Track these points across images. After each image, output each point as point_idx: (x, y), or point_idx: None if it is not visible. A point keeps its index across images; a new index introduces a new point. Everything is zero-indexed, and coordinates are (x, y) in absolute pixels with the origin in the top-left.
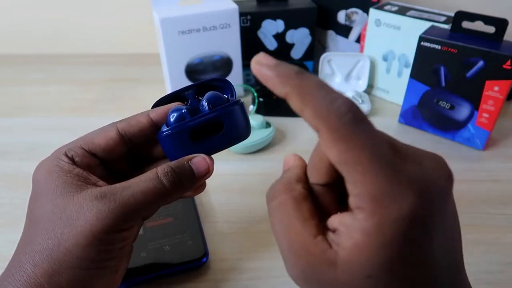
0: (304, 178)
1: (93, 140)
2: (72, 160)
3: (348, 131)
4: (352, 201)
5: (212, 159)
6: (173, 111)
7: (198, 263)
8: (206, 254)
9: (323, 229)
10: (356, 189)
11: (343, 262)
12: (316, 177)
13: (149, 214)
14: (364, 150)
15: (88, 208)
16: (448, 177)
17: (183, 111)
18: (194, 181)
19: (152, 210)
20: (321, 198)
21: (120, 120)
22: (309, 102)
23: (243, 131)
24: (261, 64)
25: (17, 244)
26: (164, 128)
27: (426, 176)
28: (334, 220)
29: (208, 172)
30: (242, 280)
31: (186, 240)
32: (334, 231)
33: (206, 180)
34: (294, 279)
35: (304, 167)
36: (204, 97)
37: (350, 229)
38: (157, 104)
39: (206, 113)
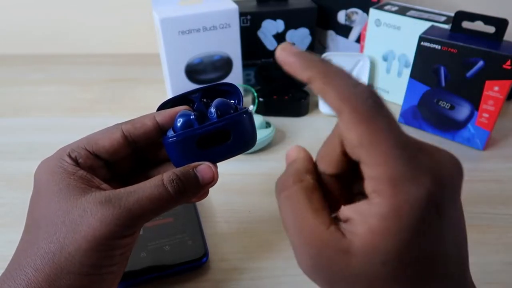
0: (312, 169)
1: (97, 141)
2: (75, 161)
3: (370, 114)
4: (368, 184)
5: (216, 167)
6: (180, 116)
7: (198, 263)
8: (206, 254)
9: (334, 219)
10: (374, 171)
11: (358, 250)
12: (327, 167)
13: (151, 219)
14: (385, 133)
15: (92, 213)
16: (459, 170)
17: (191, 117)
18: (199, 189)
19: (155, 216)
20: (330, 187)
21: (125, 122)
22: (333, 85)
23: (250, 141)
24: (285, 50)
25: (17, 244)
26: (170, 133)
27: (439, 166)
28: (347, 210)
29: (213, 180)
30: (242, 280)
31: (186, 240)
32: (346, 221)
33: None
34: (305, 270)
35: (311, 159)
36: (213, 104)
37: (365, 215)
38: (163, 106)
39: (214, 121)
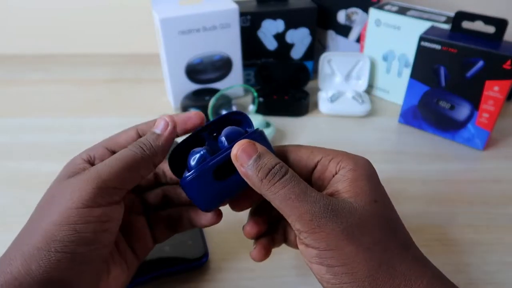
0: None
1: (115, 140)
2: (89, 159)
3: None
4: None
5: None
6: (192, 154)
7: (198, 263)
8: (206, 254)
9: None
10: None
11: (354, 199)
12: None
13: (124, 186)
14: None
15: (66, 186)
16: (369, 163)
17: (202, 152)
18: (159, 139)
19: (128, 183)
20: None
21: (140, 123)
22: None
23: None
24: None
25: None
26: (187, 174)
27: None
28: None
29: (168, 126)
30: (242, 280)
31: (186, 240)
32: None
33: None
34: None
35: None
36: (222, 133)
37: (343, 178)
38: (174, 152)
39: (226, 147)
